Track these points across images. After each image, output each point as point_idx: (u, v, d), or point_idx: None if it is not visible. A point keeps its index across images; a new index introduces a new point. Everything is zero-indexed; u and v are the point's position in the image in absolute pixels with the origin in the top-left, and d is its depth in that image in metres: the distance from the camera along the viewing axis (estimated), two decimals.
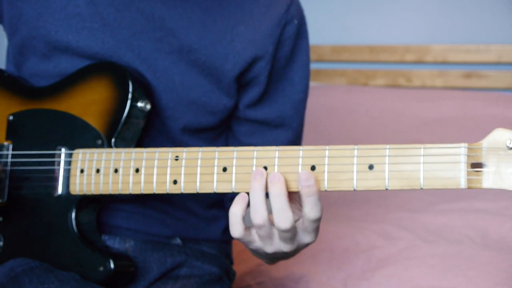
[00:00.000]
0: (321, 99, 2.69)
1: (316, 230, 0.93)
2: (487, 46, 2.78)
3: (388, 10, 2.97)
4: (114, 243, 1.17)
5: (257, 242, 0.94)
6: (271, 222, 0.91)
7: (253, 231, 0.93)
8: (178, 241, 1.23)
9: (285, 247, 0.93)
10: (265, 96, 1.21)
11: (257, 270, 1.55)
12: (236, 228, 0.91)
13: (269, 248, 0.94)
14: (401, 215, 1.80)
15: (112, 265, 1.06)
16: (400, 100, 2.66)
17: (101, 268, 1.06)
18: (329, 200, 2.03)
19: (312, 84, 3.02)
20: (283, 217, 0.88)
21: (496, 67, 2.80)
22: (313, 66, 3.10)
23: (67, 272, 1.07)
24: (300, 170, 0.90)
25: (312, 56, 3.27)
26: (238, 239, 0.94)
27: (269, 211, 0.90)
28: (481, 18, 2.81)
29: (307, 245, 0.96)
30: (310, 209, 0.88)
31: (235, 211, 0.91)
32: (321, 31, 3.05)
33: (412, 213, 1.82)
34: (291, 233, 0.91)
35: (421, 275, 1.46)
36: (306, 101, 1.25)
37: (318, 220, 0.90)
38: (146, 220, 1.20)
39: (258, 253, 1.01)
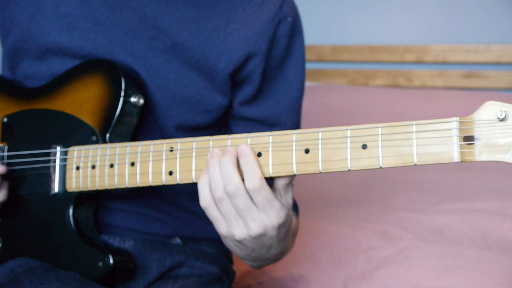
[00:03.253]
0: (321, 99, 2.69)
1: (268, 207, 0.92)
2: (487, 46, 2.78)
3: (388, 10, 2.97)
4: (113, 243, 1.16)
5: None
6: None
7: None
8: (177, 240, 1.23)
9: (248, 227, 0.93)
10: (259, 94, 1.21)
11: (257, 270, 1.55)
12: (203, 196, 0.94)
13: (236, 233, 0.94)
14: (401, 215, 1.80)
15: (111, 260, 1.05)
16: (400, 100, 2.67)
17: (100, 264, 1.06)
18: (329, 200, 2.03)
19: (312, 84, 3.04)
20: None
21: (496, 67, 2.80)
22: (313, 66, 3.12)
23: (67, 272, 1.07)
24: (294, 154, 0.90)
25: (312, 56, 3.29)
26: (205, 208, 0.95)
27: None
28: (481, 18, 2.82)
29: (274, 228, 0.94)
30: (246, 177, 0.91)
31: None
32: (321, 31, 3.06)
33: (412, 213, 1.82)
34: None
35: (421, 275, 1.46)
36: (302, 100, 1.25)
37: (257, 191, 0.91)
38: (146, 219, 1.20)
39: (233, 250, 1.00)
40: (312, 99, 2.68)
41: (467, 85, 2.83)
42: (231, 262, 1.36)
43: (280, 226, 0.94)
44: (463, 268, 1.46)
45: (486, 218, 1.74)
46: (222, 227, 0.95)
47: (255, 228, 0.92)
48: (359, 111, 2.61)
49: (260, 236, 0.94)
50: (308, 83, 2.97)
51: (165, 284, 1.17)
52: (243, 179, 0.91)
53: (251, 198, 0.91)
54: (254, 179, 0.90)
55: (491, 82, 2.79)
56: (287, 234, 1.00)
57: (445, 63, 2.87)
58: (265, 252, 1.00)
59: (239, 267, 1.53)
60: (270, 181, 0.94)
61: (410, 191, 2.02)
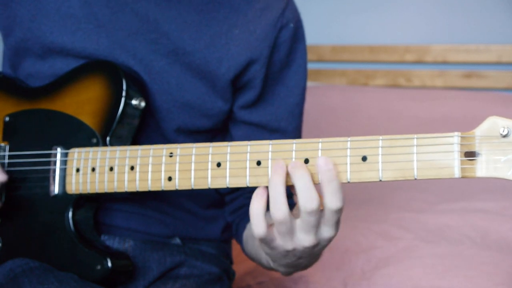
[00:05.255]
0: (321, 99, 2.69)
1: (338, 223, 0.89)
2: (487, 46, 2.78)
3: (388, 10, 2.97)
4: (113, 243, 1.17)
5: (277, 240, 0.90)
6: (291, 216, 0.87)
7: (274, 229, 0.89)
8: (177, 241, 1.23)
9: (306, 240, 0.88)
10: (260, 99, 1.20)
11: (257, 270, 1.55)
12: (259, 227, 0.87)
13: (289, 245, 0.90)
14: (401, 215, 1.80)
15: (109, 264, 1.06)
16: (400, 100, 2.66)
17: (99, 267, 1.06)
18: None
19: (312, 84, 3.04)
20: (309, 197, 0.84)
21: (496, 67, 2.80)
22: (313, 66, 3.12)
23: (66, 273, 1.07)
24: None
25: (312, 56, 3.29)
26: (261, 239, 0.89)
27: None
28: (481, 18, 2.81)
29: (328, 241, 0.91)
30: (331, 197, 0.85)
31: (257, 208, 0.86)
32: (321, 31, 3.05)
33: (412, 213, 1.82)
34: (316, 218, 0.86)
35: (421, 275, 1.46)
36: (303, 105, 1.25)
37: (340, 211, 0.86)
38: (146, 220, 1.20)
39: (274, 257, 0.97)
40: (312, 99, 2.67)
41: (467, 85, 2.83)
42: (231, 262, 1.36)
43: (332, 239, 0.92)
44: (463, 268, 1.46)
45: (486, 218, 1.74)
46: (274, 244, 0.91)
47: (312, 240, 0.89)
48: (359, 111, 2.61)
49: (314, 247, 0.91)
50: (308, 83, 2.95)
51: (165, 284, 1.17)
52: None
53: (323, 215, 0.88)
54: (339, 199, 0.86)
55: (491, 82, 2.79)
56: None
57: (445, 63, 2.87)
58: (308, 261, 0.98)
59: (239, 267, 1.53)
60: None
61: (410, 191, 2.02)
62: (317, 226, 0.88)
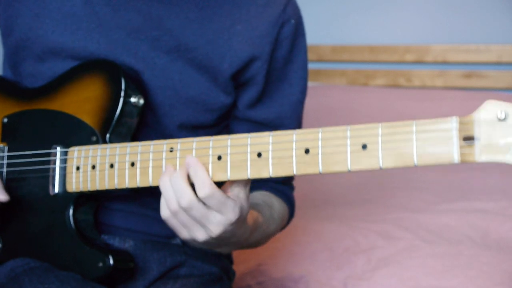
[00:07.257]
0: (321, 99, 2.69)
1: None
2: (487, 46, 2.78)
3: (388, 10, 2.97)
4: (113, 243, 1.16)
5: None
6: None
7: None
8: (177, 240, 1.23)
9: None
10: (264, 96, 1.21)
11: (257, 270, 1.55)
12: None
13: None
14: (401, 215, 1.80)
15: (111, 261, 1.06)
16: (400, 100, 2.67)
17: (100, 264, 1.06)
18: (329, 200, 2.03)
19: (312, 84, 3.04)
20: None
21: (496, 67, 2.80)
22: (313, 66, 3.12)
23: (67, 272, 1.07)
24: (294, 154, 0.90)
25: (312, 56, 3.29)
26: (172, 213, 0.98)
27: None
28: (481, 18, 2.82)
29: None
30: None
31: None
32: (321, 31, 3.06)
33: (412, 213, 1.82)
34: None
35: (421, 275, 1.46)
36: (304, 102, 1.26)
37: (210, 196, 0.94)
38: (146, 220, 1.20)
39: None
40: (312, 99, 2.67)
41: (467, 85, 2.83)
42: (231, 262, 1.36)
43: (238, 221, 0.97)
44: (463, 268, 1.46)
45: (486, 218, 1.75)
46: (183, 234, 0.99)
47: (215, 229, 0.96)
48: (359, 111, 2.62)
49: (221, 234, 0.97)
50: (308, 83, 2.96)
51: (165, 284, 1.17)
52: (194, 190, 0.94)
53: (205, 205, 0.94)
54: (205, 187, 0.93)
55: (491, 82, 2.79)
56: (252, 224, 1.05)
57: (445, 63, 2.87)
58: (230, 243, 1.04)
59: (239, 267, 1.53)
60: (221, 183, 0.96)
61: (410, 191, 2.02)
62: (197, 221, 0.96)
